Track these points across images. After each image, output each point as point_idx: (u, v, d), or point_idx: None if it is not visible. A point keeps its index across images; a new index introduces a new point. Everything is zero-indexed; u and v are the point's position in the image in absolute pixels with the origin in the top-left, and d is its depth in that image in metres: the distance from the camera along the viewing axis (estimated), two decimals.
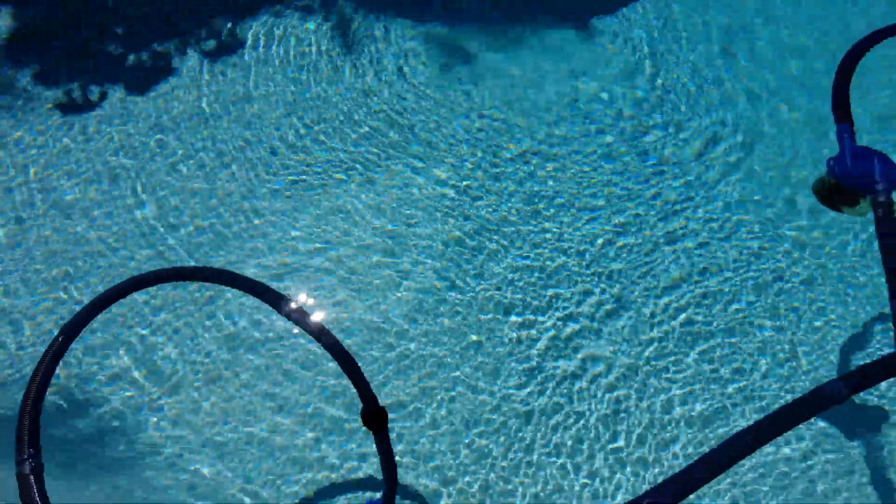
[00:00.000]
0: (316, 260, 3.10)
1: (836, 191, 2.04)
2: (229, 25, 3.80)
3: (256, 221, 3.17)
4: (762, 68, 3.74)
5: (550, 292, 3.07)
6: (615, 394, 2.83)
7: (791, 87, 3.71)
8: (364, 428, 1.86)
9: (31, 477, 1.58)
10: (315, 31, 3.84)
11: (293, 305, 1.77)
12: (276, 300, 1.77)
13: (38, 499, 1.55)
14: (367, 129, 3.51)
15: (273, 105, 3.54)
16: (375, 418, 1.83)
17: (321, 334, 1.79)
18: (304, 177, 3.34)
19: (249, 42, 3.73)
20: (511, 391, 2.85)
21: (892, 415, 2.73)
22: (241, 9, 3.82)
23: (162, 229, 3.18)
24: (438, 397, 2.79)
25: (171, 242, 3.13)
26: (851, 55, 2.11)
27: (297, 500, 2.49)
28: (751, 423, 1.73)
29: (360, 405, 1.82)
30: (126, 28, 3.75)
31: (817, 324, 3.02)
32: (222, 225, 3.19)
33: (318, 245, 3.17)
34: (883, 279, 2.90)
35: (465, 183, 3.39)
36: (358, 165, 3.40)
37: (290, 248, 3.13)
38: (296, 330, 2.84)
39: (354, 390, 1.81)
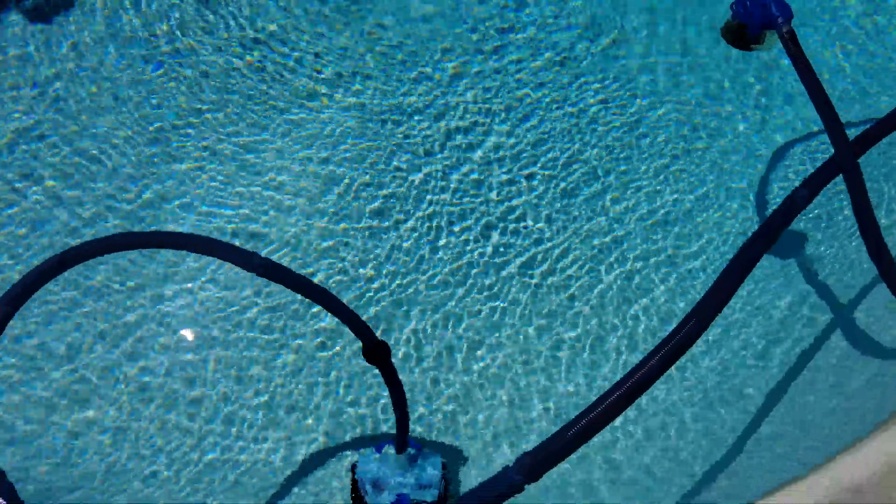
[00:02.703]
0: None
1: (743, 31, 2.18)
2: None
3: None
4: None
5: None
6: None
7: None
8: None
9: None
10: None
11: (260, 259, 1.63)
12: (240, 258, 1.62)
13: None
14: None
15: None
16: (375, 353, 1.77)
17: (298, 282, 1.69)
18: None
19: None
20: None
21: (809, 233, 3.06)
22: None
23: None
24: None
25: None
26: None
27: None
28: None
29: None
30: None
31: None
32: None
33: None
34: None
35: None
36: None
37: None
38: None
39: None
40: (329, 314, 1.82)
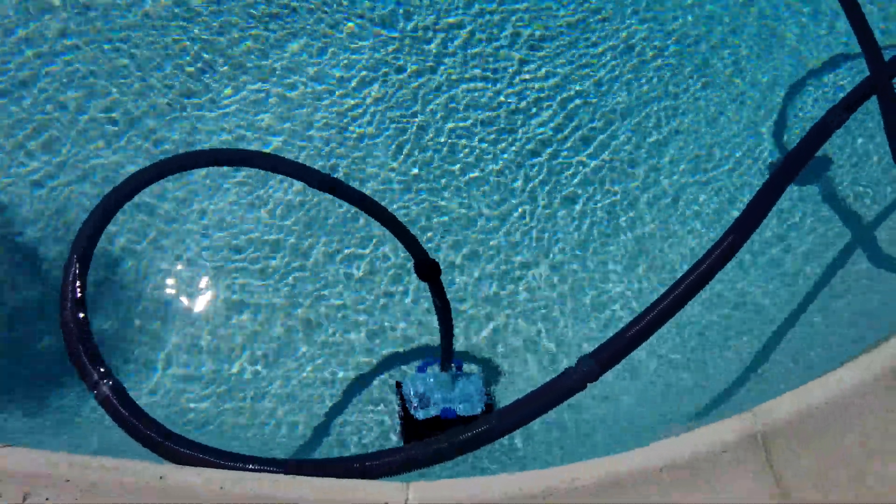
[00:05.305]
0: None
1: None
2: None
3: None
4: None
5: None
6: None
7: None
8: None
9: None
10: None
11: (327, 177, 1.72)
12: (307, 175, 1.71)
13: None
14: None
15: None
16: (428, 270, 1.86)
17: (362, 200, 1.77)
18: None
19: None
20: None
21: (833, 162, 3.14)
22: None
23: None
24: None
25: None
26: None
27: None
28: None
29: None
30: None
31: None
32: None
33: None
34: None
35: None
36: None
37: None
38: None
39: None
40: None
